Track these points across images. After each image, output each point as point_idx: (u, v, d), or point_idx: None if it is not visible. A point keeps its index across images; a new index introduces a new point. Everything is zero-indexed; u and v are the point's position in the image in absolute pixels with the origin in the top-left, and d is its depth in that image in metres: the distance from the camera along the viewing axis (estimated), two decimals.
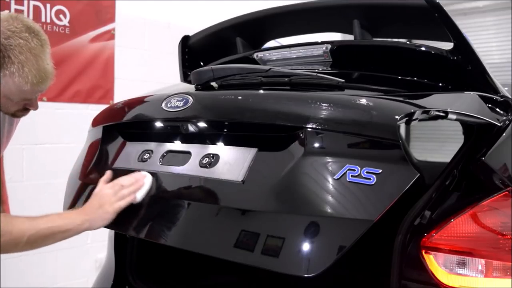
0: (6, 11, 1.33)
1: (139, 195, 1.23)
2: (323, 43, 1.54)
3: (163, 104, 1.26)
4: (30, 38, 1.28)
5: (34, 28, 1.31)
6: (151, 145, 1.33)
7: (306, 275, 0.93)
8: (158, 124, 1.34)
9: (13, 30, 1.27)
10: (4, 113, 1.39)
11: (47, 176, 2.87)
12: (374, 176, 0.93)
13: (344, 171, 0.96)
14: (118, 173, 1.32)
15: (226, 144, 1.20)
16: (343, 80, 1.20)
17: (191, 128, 1.25)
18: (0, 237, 1.15)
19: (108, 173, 1.33)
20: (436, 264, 0.94)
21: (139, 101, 1.42)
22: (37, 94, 1.36)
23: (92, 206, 1.26)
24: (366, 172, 0.94)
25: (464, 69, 1.30)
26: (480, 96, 1.20)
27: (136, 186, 1.24)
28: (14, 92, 1.30)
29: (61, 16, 2.98)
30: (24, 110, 1.40)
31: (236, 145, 1.17)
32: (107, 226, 1.30)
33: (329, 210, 0.96)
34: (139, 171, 1.27)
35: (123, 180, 1.27)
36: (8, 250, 1.20)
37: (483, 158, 1.01)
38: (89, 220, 1.25)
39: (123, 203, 1.25)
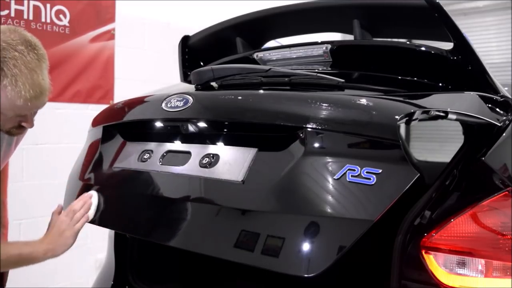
0: (5, 26, 1.30)
1: (91, 214, 1.35)
2: (323, 43, 1.54)
3: (163, 104, 1.26)
4: (26, 52, 1.25)
5: (32, 42, 1.28)
6: (151, 145, 1.33)
7: (306, 275, 0.93)
8: (158, 124, 1.34)
9: (9, 42, 1.24)
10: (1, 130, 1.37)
11: (47, 176, 2.87)
12: (374, 176, 0.93)
13: (344, 171, 0.96)
14: (118, 173, 1.32)
15: (226, 144, 1.20)
16: (343, 80, 1.20)
17: (191, 128, 1.25)
18: None
19: (59, 207, 1.44)
20: (436, 264, 0.94)
21: (139, 101, 1.42)
22: (31, 110, 1.33)
23: (53, 235, 1.35)
24: (366, 172, 0.94)
25: (464, 69, 1.30)
26: (480, 96, 1.20)
27: (86, 207, 1.34)
28: (7, 107, 1.27)
29: (61, 16, 2.98)
30: (20, 127, 1.37)
31: (236, 145, 1.17)
32: (107, 226, 1.30)
33: (329, 210, 0.96)
34: (139, 171, 1.27)
35: (74, 205, 1.36)
36: None
37: (483, 158, 1.01)
38: (52, 249, 1.34)
39: (79, 225, 1.36)
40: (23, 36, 1.27)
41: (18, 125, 1.36)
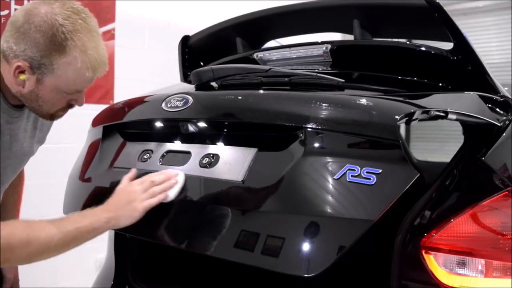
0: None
1: (172, 193, 1.15)
2: (323, 43, 1.54)
3: (163, 104, 1.26)
4: (87, 19, 1.18)
5: (84, 10, 1.21)
6: (151, 145, 1.33)
7: (306, 275, 0.93)
8: (158, 124, 1.34)
9: (69, 11, 1.16)
10: (41, 116, 1.29)
11: (47, 176, 2.87)
12: (374, 176, 0.93)
13: (344, 171, 0.96)
14: (118, 173, 1.32)
15: (226, 144, 1.20)
16: (343, 80, 1.20)
17: (191, 128, 1.25)
18: (28, 247, 1.06)
19: (133, 171, 1.25)
20: (436, 264, 0.94)
21: (139, 101, 1.42)
22: (92, 82, 1.25)
23: (119, 202, 1.16)
24: (366, 172, 0.94)
25: (464, 69, 1.30)
26: (480, 96, 1.20)
27: (169, 184, 1.16)
28: (71, 82, 1.19)
29: None
30: (67, 107, 1.29)
31: (236, 145, 1.17)
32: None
33: (329, 210, 0.96)
34: (139, 171, 1.27)
35: (154, 176, 1.18)
36: (37, 257, 1.10)
37: (483, 158, 1.01)
38: (115, 217, 1.15)
39: (154, 201, 1.16)
40: (75, 5, 1.20)
41: (67, 105, 1.28)
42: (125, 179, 1.22)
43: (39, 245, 1.07)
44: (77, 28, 1.15)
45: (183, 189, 1.18)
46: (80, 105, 1.29)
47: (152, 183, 1.17)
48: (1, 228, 1.03)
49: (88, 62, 1.18)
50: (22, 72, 1.16)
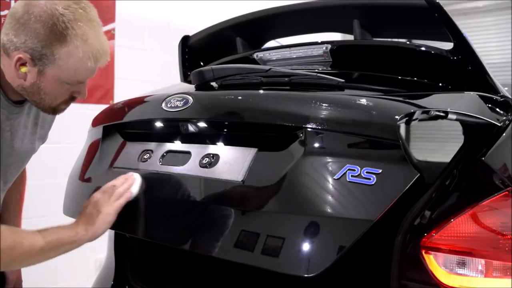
0: None
1: (134, 190, 1.23)
2: (323, 43, 1.54)
3: (163, 104, 1.26)
4: (87, 8, 1.18)
5: (84, 0, 1.20)
6: (151, 145, 1.33)
7: (306, 275, 0.93)
8: (158, 124, 1.34)
9: (69, 1, 1.15)
10: (44, 109, 1.28)
11: (47, 176, 2.87)
12: (374, 176, 0.93)
13: (344, 171, 0.96)
14: (118, 173, 1.32)
15: (226, 144, 1.20)
16: (343, 80, 1.20)
17: (191, 128, 1.25)
18: (12, 251, 1.10)
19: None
20: (436, 264, 0.94)
21: (139, 101, 1.42)
22: (94, 73, 1.25)
23: (91, 215, 1.21)
24: (366, 172, 0.94)
25: (464, 69, 1.30)
26: (480, 96, 1.20)
27: (129, 183, 1.23)
28: (73, 73, 1.18)
29: None
30: (70, 100, 1.27)
31: (236, 145, 1.17)
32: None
33: (329, 210, 0.96)
34: (139, 171, 1.27)
35: (113, 182, 1.24)
36: (18, 263, 1.18)
37: (483, 158, 1.01)
38: (92, 229, 1.21)
39: (122, 201, 1.21)
40: None
41: (69, 98, 1.26)
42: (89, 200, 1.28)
43: (23, 251, 1.11)
44: (77, 17, 1.15)
45: (183, 189, 1.18)
46: (83, 97, 1.28)
47: (114, 187, 1.23)
48: None
49: (90, 51, 1.17)
50: (23, 64, 1.15)
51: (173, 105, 1.24)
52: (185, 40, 1.91)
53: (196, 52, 1.91)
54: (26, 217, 2.74)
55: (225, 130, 1.23)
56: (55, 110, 1.28)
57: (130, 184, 1.23)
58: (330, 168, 0.98)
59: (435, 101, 1.16)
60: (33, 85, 1.18)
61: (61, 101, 1.25)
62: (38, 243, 1.13)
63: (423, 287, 0.95)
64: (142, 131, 1.41)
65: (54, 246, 1.16)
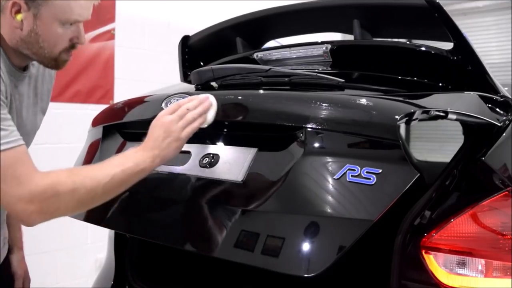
0: None
1: (210, 116, 1.12)
2: (323, 43, 1.54)
3: (163, 104, 1.26)
4: None
5: None
6: None
7: (306, 275, 0.93)
8: None
9: None
10: (46, 63, 1.25)
11: None
12: (374, 176, 0.93)
13: (344, 171, 0.96)
14: None
15: (226, 144, 1.20)
16: (343, 80, 1.20)
17: None
18: (75, 194, 1.04)
19: (175, 105, 1.17)
20: (436, 264, 0.94)
21: (139, 101, 1.42)
22: (87, 12, 1.22)
23: (157, 139, 1.11)
24: (366, 172, 0.94)
25: (464, 69, 1.30)
26: (480, 96, 1.20)
27: (204, 107, 1.12)
28: (67, 9, 1.16)
29: None
30: (70, 48, 1.24)
31: (236, 145, 1.17)
32: (107, 226, 1.30)
33: (329, 210, 0.96)
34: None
35: (186, 104, 1.13)
36: (86, 204, 1.10)
37: (483, 158, 1.01)
38: (159, 154, 1.10)
39: (194, 125, 1.12)
40: None
41: (69, 46, 1.23)
42: (159, 114, 1.16)
43: (86, 191, 1.05)
44: None
45: (183, 189, 1.18)
46: (82, 42, 1.25)
47: (187, 110, 1.12)
48: (44, 177, 1.03)
49: None
50: (18, 11, 1.15)
51: None
52: (185, 40, 1.91)
53: (196, 52, 1.91)
54: None
55: (225, 130, 1.23)
56: (57, 61, 1.25)
57: (205, 109, 1.12)
58: (330, 168, 0.98)
59: (435, 101, 1.16)
60: (30, 32, 1.17)
61: (61, 49, 1.23)
62: (102, 180, 1.07)
63: (423, 287, 0.95)
64: (142, 131, 1.41)
65: (120, 180, 1.08)
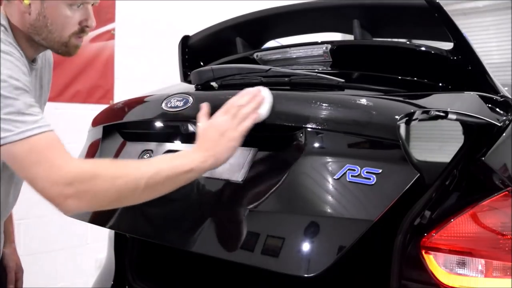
0: None
1: (263, 111, 1.07)
2: (323, 43, 1.54)
3: (163, 104, 1.26)
4: None
5: None
6: (151, 145, 1.33)
7: (306, 275, 0.93)
8: (158, 124, 1.34)
9: None
10: (56, 48, 1.23)
11: None
12: (374, 176, 0.93)
13: (344, 171, 0.96)
14: None
15: None
16: (343, 80, 1.20)
17: (191, 128, 1.25)
18: (116, 180, 0.99)
19: (205, 106, 1.13)
20: (436, 264, 0.94)
21: (139, 101, 1.42)
22: None
23: (211, 139, 1.06)
24: (366, 172, 0.94)
25: (464, 69, 1.30)
26: (480, 96, 1.20)
27: (257, 101, 1.08)
28: None
29: None
30: (80, 32, 1.22)
31: None
32: (107, 226, 1.29)
33: (329, 210, 0.96)
34: None
35: (238, 100, 1.09)
36: (125, 197, 1.03)
37: (483, 158, 1.01)
38: (213, 155, 1.05)
39: (248, 123, 1.07)
40: None
41: (79, 30, 1.22)
42: (202, 117, 1.12)
43: (128, 180, 1.00)
44: None
45: (183, 189, 1.18)
46: (92, 25, 1.23)
47: (240, 107, 1.08)
48: (82, 162, 1.03)
49: None
50: None
51: (173, 105, 1.24)
52: (185, 40, 1.91)
53: (196, 52, 1.91)
54: (25, 217, 2.75)
55: None
56: (68, 46, 1.23)
57: (259, 104, 1.07)
58: (330, 168, 0.98)
59: (435, 101, 1.16)
60: (38, 16, 1.17)
61: (71, 33, 1.22)
62: (147, 172, 1.01)
63: (423, 287, 0.95)
64: (142, 131, 1.41)
65: (166, 176, 1.02)
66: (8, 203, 1.36)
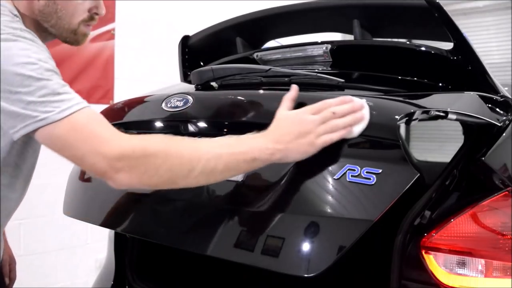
0: None
1: (357, 130, 0.96)
2: (323, 43, 1.54)
3: (163, 104, 1.27)
4: None
5: None
6: None
7: (306, 275, 0.93)
8: (158, 124, 1.34)
9: None
10: (65, 36, 1.21)
11: (47, 176, 2.87)
12: (374, 176, 0.93)
13: (344, 171, 0.96)
14: None
15: None
16: (343, 80, 1.20)
17: (191, 128, 1.25)
18: (168, 159, 0.94)
19: (295, 88, 1.04)
20: (436, 264, 0.94)
21: (139, 101, 1.42)
22: None
23: (290, 133, 0.96)
24: (366, 172, 0.94)
25: (464, 69, 1.30)
26: (480, 96, 1.20)
27: (354, 118, 0.96)
28: None
29: None
30: (89, 20, 1.21)
31: None
32: (107, 226, 1.29)
33: (329, 210, 0.96)
34: None
35: (335, 107, 0.98)
36: (179, 177, 0.96)
37: (483, 158, 1.01)
38: (283, 150, 0.96)
39: (335, 136, 0.96)
40: None
41: (88, 18, 1.20)
42: (287, 101, 1.01)
43: (182, 161, 0.94)
44: None
45: (183, 189, 1.18)
46: (102, 13, 1.22)
47: (333, 114, 0.97)
48: (133, 137, 0.98)
49: None
50: None
51: (173, 105, 1.24)
52: (185, 40, 1.91)
53: (196, 52, 1.91)
54: (25, 217, 2.75)
55: (225, 130, 1.23)
56: (77, 34, 1.21)
57: (355, 121, 0.96)
58: (330, 168, 0.98)
59: (435, 101, 1.16)
60: (48, 2, 1.16)
61: (80, 20, 1.20)
62: (204, 154, 0.94)
63: (423, 287, 0.95)
64: (142, 131, 1.41)
65: (225, 162, 0.95)
66: (12, 198, 1.35)
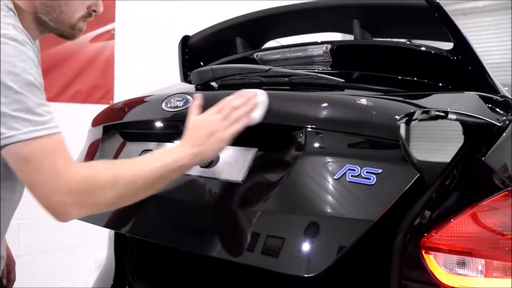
0: None
1: (256, 115, 1.07)
2: (323, 43, 1.54)
3: (163, 104, 1.27)
4: None
5: None
6: (151, 145, 1.33)
7: (306, 275, 0.93)
8: (158, 124, 1.34)
9: None
10: (63, 30, 1.21)
11: None
12: (374, 176, 0.93)
13: (344, 171, 0.96)
14: None
15: None
16: (343, 80, 1.20)
17: None
18: (115, 186, 0.99)
19: (199, 97, 1.15)
20: (436, 264, 0.94)
21: (139, 101, 1.42)
22: None
23: (199, 136, 1.08)
24: (366, 172, 0.94)
25: (464, 69, 1.30)
26: (480, 96, 1.20)
27: (251, 105, 1.08)
28: None
29: None
30: (87, 16, 1.21)
31: (236, 145, 1.17)
32: (107, 226, 1.29)
33: (329, 210, 0.96)
34: None
35: (232, 101, 1.09)
36: (126, 198, 1.04)
37: (483, 158, 1.01)
38: (200, 152, 1.07)
39: (238, 126, 1.08)
40: None
41: (87, 14, 1.21)
42: (194, 109, 1.13)
43: (127, 184, 1.01)
44: None
45: (183, 189, 1.18)
46: (100, 10, 1.23)
47: (233, 108, 1.09)
48: (83, 168, 0.99)
49: None
50: None
51: (173, 105, 1.24)
52: (185, 40, 1.91)
53: (196, 52, 1.91)
54: (25, 217, 2.75)
55: None
56: (74, 29, 1.21)
57: (252, 107, 1.08)
58: (330, 168, 0.98)
59: (435, 101, 1.16)
60: None
61: (80, 16, 1.20)
62: (141, 173, 1.02)
63: (423, 287, 0.95)
64: (142, 131, 1.41)
65: (159, 175, 1.04)
66: (13, 199, 1.35)
